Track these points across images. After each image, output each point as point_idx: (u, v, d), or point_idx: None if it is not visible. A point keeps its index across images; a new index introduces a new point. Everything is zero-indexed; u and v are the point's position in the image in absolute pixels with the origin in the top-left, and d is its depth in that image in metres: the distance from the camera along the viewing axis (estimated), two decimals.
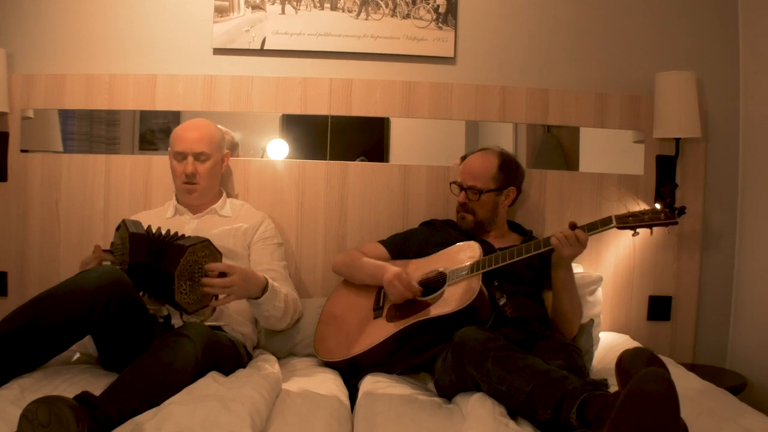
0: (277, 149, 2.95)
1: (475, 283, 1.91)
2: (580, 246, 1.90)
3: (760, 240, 2.50)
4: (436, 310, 1.93)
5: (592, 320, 2.22)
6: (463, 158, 2.38)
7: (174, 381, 1.56)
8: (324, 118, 2.72)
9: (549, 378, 1.50)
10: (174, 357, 1.60)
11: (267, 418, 1.56)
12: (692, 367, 2.32)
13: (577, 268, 2.32)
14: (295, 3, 2.52)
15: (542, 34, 2.59)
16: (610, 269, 2.53)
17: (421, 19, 2.54)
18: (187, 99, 2.47)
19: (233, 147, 2.75)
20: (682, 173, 2.54)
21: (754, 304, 2.52)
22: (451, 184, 2.31)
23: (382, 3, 2.53)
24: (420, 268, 2.14)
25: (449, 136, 2.81)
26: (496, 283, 2.06)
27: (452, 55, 2.56)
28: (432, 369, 1.96)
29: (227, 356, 1.86)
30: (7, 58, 2.39)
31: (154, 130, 3.05)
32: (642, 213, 1.90)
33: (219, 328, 2.00)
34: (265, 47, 2.52)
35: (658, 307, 2.55)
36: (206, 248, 1.86)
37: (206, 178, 2.19)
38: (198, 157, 2.17)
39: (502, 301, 2.03)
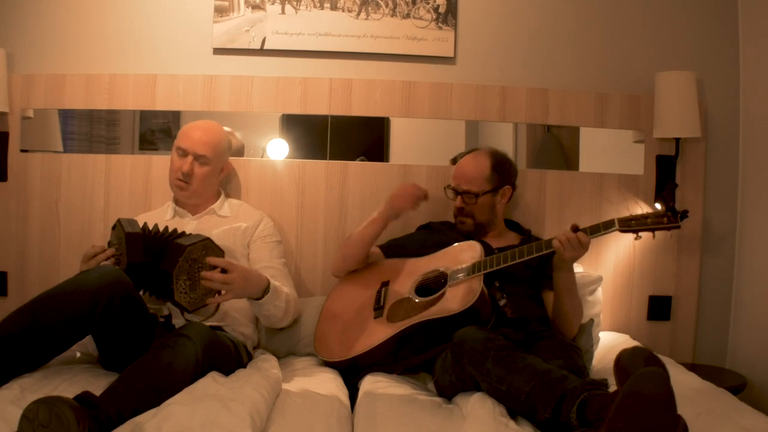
0: (277, 149, 2.95)
1: (477, 285, 1.91)
2: (582, 249, 1.89)
3: (760, 240, 2.50)
4: (438, 310, 1.92)
5: (592, 320, 2.22)
6: (454, 160, 2.37)
7: (174, 381, 1.56)
8: (324, 118, 2.72)
9: (549, 378, 1.50)
10: (174, 357, 1.60)
11: (267, 418, 1.56)
12: (692, 367, 2.32)
13: (577, 268, 2.32)
14: (295, 3, 2.52)
15: (542, 34, 2.59)
16: (610, 269, 2.53)
17: (421, 19, 2.54)
18: (187, 99, 2.47)
19: (239, 151, 2.75)
20: (682, 173, 2.54)
21: (754, 304, 2.52)
22: (445, 188, 2.29)
23: (382, 3, 2.53)
24: (420, 267, 2.14)
25: (449, 136, 2.81)
26: (497, 284, 2.06)
27: (452, 55, 2.56)
28: (432, 369, 1.96)
29: (227, 356, 1.86)
30: (7, 58, 2.39)
31: (154, 130, 3.05)
32: (644, 216, 1.89)
33: (219, 328, 2.00)
34: (265, 47, 2.52)
35: (658, 307, 2.55)
36: (207, 247, 1.86)
37: (199, 181, 2.18)
38: (198, 159, 2.17)
39: (503, 302, 2.03)
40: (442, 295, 1.97)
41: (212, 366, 1.72)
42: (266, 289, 1.97)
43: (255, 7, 2.51)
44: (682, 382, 1.73)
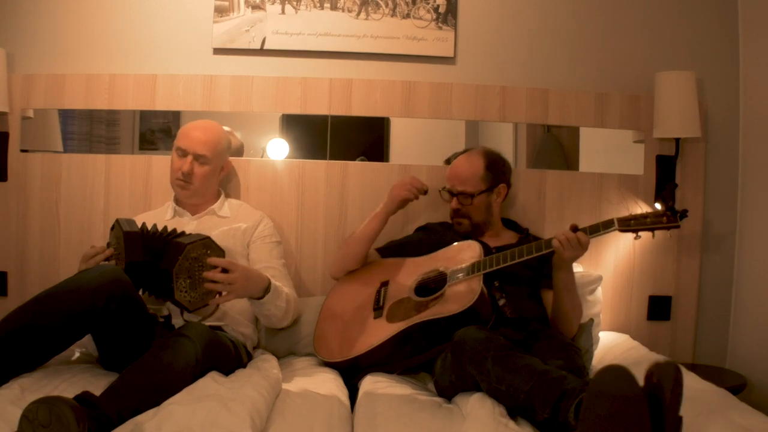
0: (277, 149, 2.95)
1: (477, 285, 1.91)
2: (581, 248, 1.89)
3: (760, 239, 2.50)
4: (438, 310, 1.92)
5: (591, 320, 2.22)
6: (447, 161, 2.37)
7: (174, 381, 1.57)
8: (324, 117, 2.72)
9: (548, 377, 1.51)
10: (174, 357, 1.60)
11: (267, 418, 1.56)
12: (692, 367, 2.33)
13: (577, 268, 2.32)
14: (295, 3, 2.52)
15: (542, 34, 2.59)
16: (610, 269, 2.53)
17: (421, 19, 2.54)
18: (187, 99, 2.47)
19: (238, 151, 2.75)
20: (682, 173, 2.54)
21: (754, 304, 2.52)
22: (440, 191, 2.30)
23: (382, 3, 2.53)
24: (419, 266, 2.14)
25: (449, 136, 2.82)
26: (497, 284, 2.06)
27: (452, 55, 2.56)
28: (432, 369, 1.96)
29: (227, 356, 1.86)
30: (7, 58, 2.39)
31: (154, 130, 3.05)
32: (644, 216, 1.89)
33: (219, 328, 2.00)
34: (265, 47, 2.52)
35: (658, 307, 2.55)
36: (207, 246, 1.86)
37: (200, 181, 2.18)
38: (198, 158, 2.17)
39: (502, 302, 2.03)
40: (442, 295, 1.97)
41: (212, 366, 1.72)
42: (267, 289, 1.97)
43: (255, 7, 2.52)
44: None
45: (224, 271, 1.83)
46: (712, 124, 2.60)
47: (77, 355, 2.01)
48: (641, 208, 2.50)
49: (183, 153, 2.17)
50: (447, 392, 1.82)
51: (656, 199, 2.51)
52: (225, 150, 2.27)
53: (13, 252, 2.45)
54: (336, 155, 2.70)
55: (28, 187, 2.45)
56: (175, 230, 1.93)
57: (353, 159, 2.68)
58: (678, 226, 1.88)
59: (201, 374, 1.66)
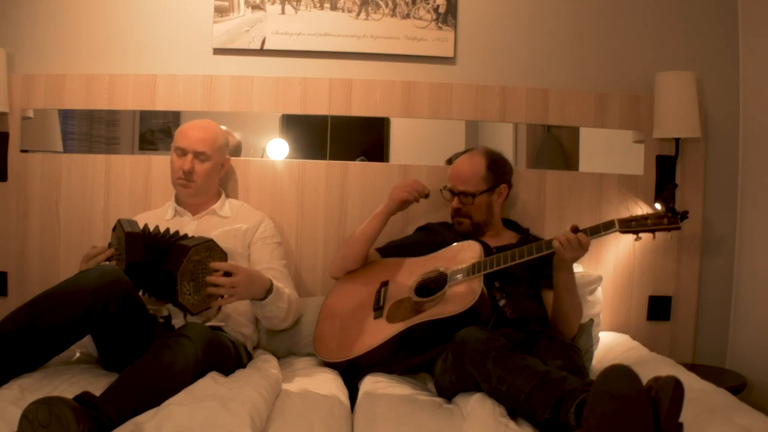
0: (277, 149, 2.95)
1: (477, 285, 1.91)
2: (581, 249, 1.89)
3: (760, 240, 2.50)
4: (438, 311, 1.92)
5: (591, 320, 2.22)
6: (449, 161, 2.38)
7: (174, 381, 1.57)
8: (324, 118, 2.72)
9: (548, 378, 1.51)
10: (174, 357, 1.60)
11: (267, 418, 1.56)
12: (692, 367, 2.32)
13: (577, 268, 2.32)
14: (295, 3, 2.52)
15: (542, 34, 2.59)
16: (609, 269, 2.53)
17: (420, 19, 2.54)
18: (187, 99, 2.47)
19: (237, 149, 2.75)
20: (682, 173, 2.54)
21: (754, 304, 2.52)
22: (441, 190, 2.30)
23: (382, 3, 2.53)
24: (419, 267, 2.14)
25: (449, 136, 2.82)
26: (497, 285, 2.06)
27: (452, 55, 2.56)
28: (432, 369, 1.96)
29: (227, 356, 1.86)
30: (7, 58, 2.39)
31: (154, 130, 3.06)
32: (645, 217, 1.89)
33: (219, 328, 2.00)
34: (265, 47, 2.52)
35: (658, 307, 2.55)
36: (210, 248, 1.86)
37: (202, 179, 2.19)
38: (198, 156, 2.17)
39: (503, 302, 2.03)
40: (442, 295, 1.97)
41: (212, 366, 1.72)
42: (269, 290, 1.97)
43: (255, 7, 2.51)
44: (682, 382, 1.73)
45: (227, 274, 1.83)
46: (712, 124, 2.60)
47: (77, 355, 2.01)
48: (641, 209, 2.50)
49: (182, 152, 2.18)
50: (447, 392, 1.82)
51: (656, 200, 2.51)
52: (224, 146, 2.28)
53: (13, 252, 2.45)
54: (336, 155, 2.70)
55: (28, 187, 2.45)
56: (177, 232, 1.93)
57: (353, 159, 2.68)
58: (679, 228, 1.88)
59: (201, 374, 1.66)
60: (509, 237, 2.27)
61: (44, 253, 2.45)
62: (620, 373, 1.32)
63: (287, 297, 2.07)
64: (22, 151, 2.46)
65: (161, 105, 2.48)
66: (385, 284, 2.16)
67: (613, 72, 2.59)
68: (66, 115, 2.77)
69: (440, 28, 2.55)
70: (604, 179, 2.54)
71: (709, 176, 2.59)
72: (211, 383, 1.62)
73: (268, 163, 2.61)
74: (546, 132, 2.90)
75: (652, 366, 1.88)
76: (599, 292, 2.39)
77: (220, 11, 2.51)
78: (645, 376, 1.36)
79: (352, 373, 2.01)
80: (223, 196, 2.32)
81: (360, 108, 2.50)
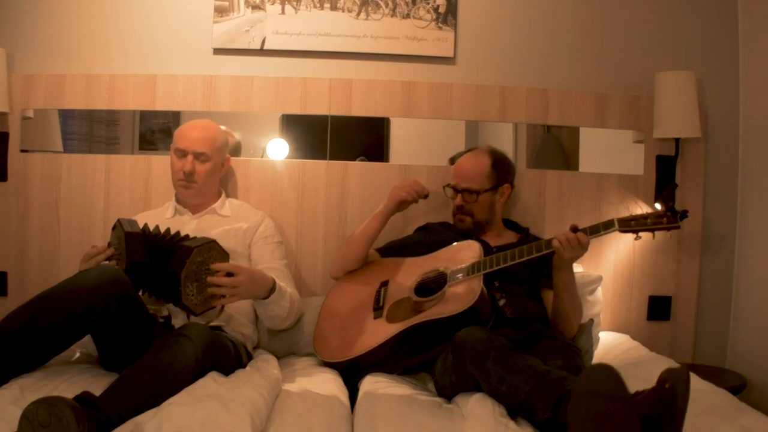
0: (277, 149, 2.95)
1: (477, 285, 1.91)
2: (581, 249, 1.89)
3: (760, 240, 2.50)
4: (438, 311, 1.92)
5: (591, 320, 2.22)
6: (452, 160, 2.38)
7: (174, 381, 1.56)
8: (324, 118, 2.72)
9: (548, 378, 1.51)
10: (174, 357, 1.60)
11: (267, 418, 1.56)
12: (692, 367, 2.33)
13: (577, 268, 2.32)
14: (295, 3, 2.52)
15: (542, 34, 2.59)
16: (609, 269, 2.53)
17: (420, 19, 2.54)
18: (187, 99, 2.47)
19: (236, 149, 2.75)
20: (682, 173, 2.54)
21: (754, 304, 2.52)
22: (444, 187, 2.30)
23: (382, 3, 2.53)
24: (419, 266, 2.14)
25: (449, 136, 2.82)
26: (497, 284, 2.06)
27: (452, 55, 2.56)
28: (432, 369, 1.96)
29: (227, 356, 1.86)
30: (7, 58, 2.39)
31: (154, 130, 3.06)
32: (644, 217, 1.89)
33: (219, 328, 2.00)
34: (265, 47, 2.52)
35: (658, 307, 2.55)
36: (213, 249, 1.86)
37: (203, 179, 2.19)
38: (198, 156, 2.17)
39: (502, 302, 2.03)
40: (442, 295, 1.97)
41: (212, 366, 1.72)
42: (272, 289, 1.98)
43: (255, 7, 2.51)
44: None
45: (229, 274, 1.83)
46: (712, 124, 2.60)
47: (77, 355, 2.01)
48: (641, 208, 2.50)
49: (182, 153, 2.18)
50: (447, 392, 1.82)
51: (656, 199, 2.51)
52: (224, 145, 2.28)
53: (13, 252, 2.45)
54: (336, 155, 2.70)
55: (28, 187, 2.45)
56: (178, 233, 1.93)
57: (353, 159, 2.68)
58: (678, 227, 1.88)
59: (201, 374, 1.66)
60: (509, 237, 2.27)
61: (44, 253, 2.45)
62: (604, 374, 1.33)
63: (289, 296, 2.07)
64: (22, 151, 2.47)
65: (161, 105, 2.48)
66: (384, 284, 2.16)
67: (613, 72, 2.60)
68: (66, 115, 2.77)
69: (440, 28, 2.55)
70: (604, 179, 2.54)
71: (709, 176, 2.59)
72: (211, 383, 1.62)
73: (268, 163, 2.61)
74: (546, 132, 2.90)
75: (652, 366, 1.88)
76: (599, 292, 2.39)
77: (220, 11, 2.51)
78: (645, 376, 1.37)
79: (352, 373, 2.01)
80: (223, 195, 2.32)
81: (360, 108, 2.51)
